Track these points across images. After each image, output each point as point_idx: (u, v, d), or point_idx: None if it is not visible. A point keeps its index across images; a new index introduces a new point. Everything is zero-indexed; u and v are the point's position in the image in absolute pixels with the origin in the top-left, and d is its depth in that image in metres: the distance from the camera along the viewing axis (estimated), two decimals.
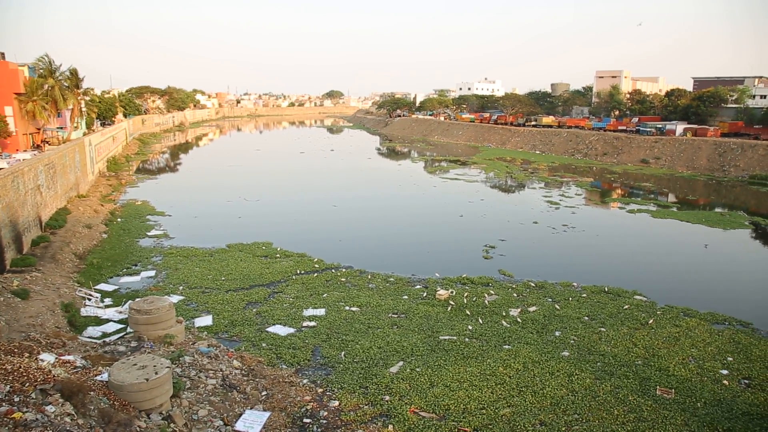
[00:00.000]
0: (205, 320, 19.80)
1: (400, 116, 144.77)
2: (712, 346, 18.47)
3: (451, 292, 23.04)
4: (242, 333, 18.90)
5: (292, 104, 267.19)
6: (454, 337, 18.64)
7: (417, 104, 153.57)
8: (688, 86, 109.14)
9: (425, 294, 23.25)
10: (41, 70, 44.20)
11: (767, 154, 60.48)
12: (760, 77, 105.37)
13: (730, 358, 17.54)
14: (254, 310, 21.14)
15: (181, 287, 23.38)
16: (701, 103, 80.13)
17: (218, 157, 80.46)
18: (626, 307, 21.98)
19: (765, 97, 79.00)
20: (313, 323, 19.86)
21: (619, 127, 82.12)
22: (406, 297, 22.91)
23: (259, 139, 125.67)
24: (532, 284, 24.70)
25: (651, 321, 20.49)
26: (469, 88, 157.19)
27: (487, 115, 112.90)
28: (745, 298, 24.61)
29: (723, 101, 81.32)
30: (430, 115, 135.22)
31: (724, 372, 16.64)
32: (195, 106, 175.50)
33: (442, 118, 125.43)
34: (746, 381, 16.19)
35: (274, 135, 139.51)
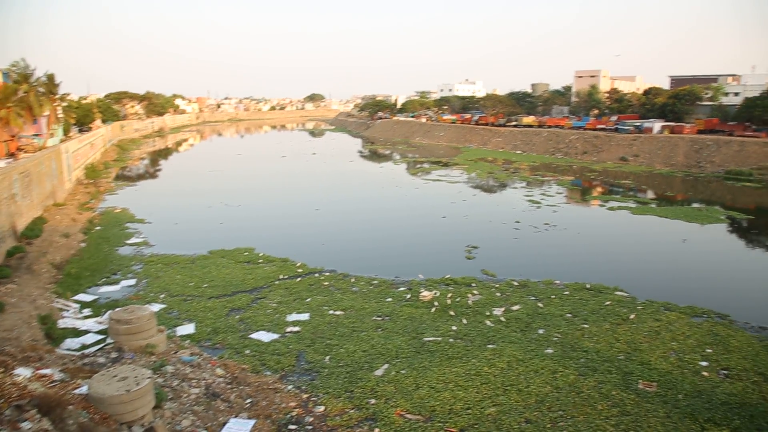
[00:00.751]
0: (188, 328, 19.57)
1: (381, 118, 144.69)
2: (691, 338, 18.77)
3: (435, 293, 23.06)
4: (225, 340, 18.72)
5: (273, 108, 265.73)
6: (439, 338, 18.66)
7: (398, 106, 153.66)
8: (665, 85, 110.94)
9: (409, 296, 23.23)
10: (16, 76, 43.42)
11: (741, 149, 61.65)
12: (733, 75, 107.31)
13: (709, 350, 17.84)
14: (237, 316, 20.95)
15: (162, 295, 23.11)
16: (678, 101, 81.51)
17: (199, 163, 79.71)
18: (608, 303, 22.20)
19: (738, 94, 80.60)
20: (297, 328, 19.75)
21: (599, 126, 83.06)
22: (389, 299, 22.88)
23: (240, 144, 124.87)
24: (515, 283, 24.84)
25: (632, 316, 20.72)
26: (450, 90, 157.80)
27: (468, 115, 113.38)
28: (723, 290, 25.03)
29: (698, 99, 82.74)
30: (411, 116, 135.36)
31: (704, 363, 16.92)
32: (175, 111, 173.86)
33: (423, 120, 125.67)
34: (725, 372, 16.49)
35: (256, 139, 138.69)
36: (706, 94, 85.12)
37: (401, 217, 41.13)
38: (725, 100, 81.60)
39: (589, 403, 14.48)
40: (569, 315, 20.96)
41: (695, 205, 45.85)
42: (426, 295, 22.71)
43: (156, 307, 21.10)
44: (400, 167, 73.46)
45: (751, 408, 14.44)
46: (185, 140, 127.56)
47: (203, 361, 16.27)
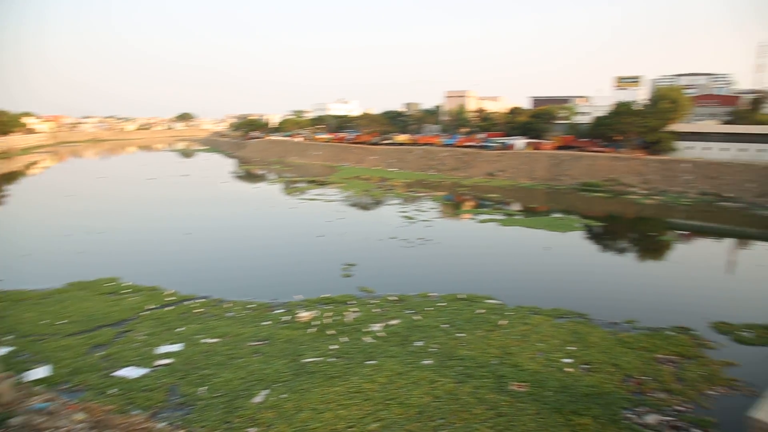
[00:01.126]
0: (41, 372, 17.59)
1: (255, 138, 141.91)
2: (556, 338, 20.19)
3: (314, 314, 22.80)
4: (87, 381, 17.07)
5: (140, 128, 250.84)
6: (319, 359, 18.41)
7: (274, 125, 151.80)
8: (528, 105, 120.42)
9: (287, 318, 22.75)
10: None
11: (593, 163, 68.17)
12: (581, 97, 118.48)
13: (572, 348, 19.33)
14: (100, 353, 19.23)
15: (9, 337, 20.59)
16: (537, 120, 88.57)
17: (54, 187, 72.79)
18: (480, 311, 23.26)
19: (587, 114, 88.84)
20: (168, 360, 18.54)
21: (468, 143, 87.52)
22: (267, 323, 22.24)
23: (102, 166, 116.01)
24: (393, 298, 25.26)
25: (504, 322, 21.86)
26: (325, 109, 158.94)
27: (342, 134, 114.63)
28: (582, 292, 27.21)
29: (555, 118, 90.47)
30: (287, 136, 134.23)
31: (568, 360, 18.28)
32: (24, 130, 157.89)
33: (299, 139, 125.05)
34: (585, 366, 17.93)
35: (120, 161, 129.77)
36: (562, 113, 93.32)
37: (277, 238, 40.40)
38: (578, 119, 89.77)
39: (466, 409, 14.99)
40: (445, 325, 21.66)
41: (556, 215, 49.72)
42: (304, 315, 22.38)
43: (1, 351, 18.78)
44: (276, 187, 72.31)
45: (607, 396, 15.83)
46: (37, 162, 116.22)
47: (60, 407, 14.66)
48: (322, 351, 19.15)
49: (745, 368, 18.13)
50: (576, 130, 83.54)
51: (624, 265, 35.27)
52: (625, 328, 21.75)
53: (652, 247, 39.83)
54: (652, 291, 28.05)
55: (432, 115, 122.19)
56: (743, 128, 68.47)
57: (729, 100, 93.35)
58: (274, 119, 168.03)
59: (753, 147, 64.30)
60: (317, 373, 17.26)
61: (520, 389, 16.12)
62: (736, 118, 76.80)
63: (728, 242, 42.19)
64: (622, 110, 73.56)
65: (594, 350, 19.10)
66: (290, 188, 69.27)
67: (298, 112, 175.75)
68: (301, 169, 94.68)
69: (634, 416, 14.89)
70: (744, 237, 43.18)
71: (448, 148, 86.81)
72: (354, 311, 23.25)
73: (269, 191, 68.36)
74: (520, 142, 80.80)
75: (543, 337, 20.29)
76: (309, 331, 21.26)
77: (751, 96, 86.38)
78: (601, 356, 18.62)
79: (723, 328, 21.84)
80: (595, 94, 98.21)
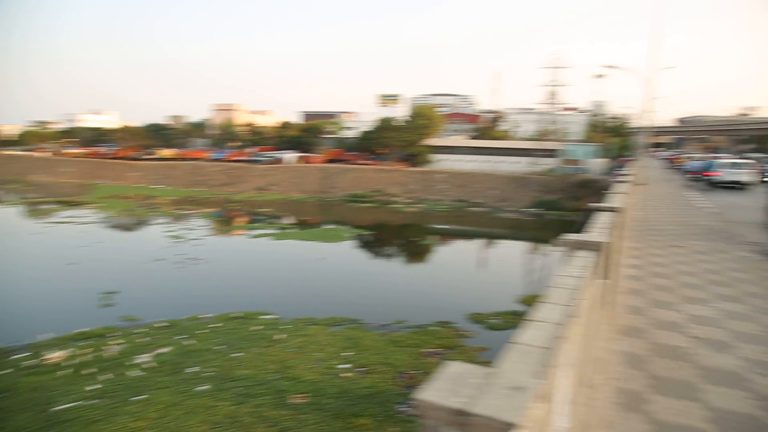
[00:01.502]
0: None
1: None
2: (333, 346, 20.67)
3: (67, 353, 19.88)
4: None
5: None
6: (75, 404, 16.03)
7: (11, 137, 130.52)
8: (300, 119, 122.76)
9: (32, 362, 19.41)
10: None
11: (360, 175, 72.26)
12: (348, 112, 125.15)
13: (348, 353, 19.95)
14: None
15: None
16: (308, 134, 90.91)
17: None
18: (257, 327, 22.76)
19: (354, 129, 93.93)
20: None
21: (238, 158, 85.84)
22: (5, 371, 18.70)
23: None
24: (162, 324, 23.30)
25: (281, 336, 21.69)
26: (76, 121, 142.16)
27: (98, 149, 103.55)
28: (355, 299, 28.45)
29: (324, 132, 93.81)
30: (28, 150, 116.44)
31: (345, 366, 18.80)
32: None
33: (45, 154, 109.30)
34: (362, 369, 18.66)
35: None
36: (330, 128, 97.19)
37: (16, 269, 34.40)
38: (346, 134, 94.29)
39: (248, 430, 14.45)
40: (220, 347, 20.68)
41: (328, 226, 51.36)
42: (54, 356, 19.34)
43: None
44: (15, 210, 62.07)
45: (383, 394, 16.68)
46: None
47: None
48: (80, 394, 16.70)
49: (494, 350, 20.74)
50: (344, 144, 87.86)
51: (392, 270, 37.94)
52: (395, 329, 23.24)
53: (415, 251, 43.59)
54: (418, 291, 30.59)
55: (199, 128, 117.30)
56: (485, 143, 79.83)
57: (473, 118, 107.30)
58: (9, 131, 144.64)
59: (493, 159, 75.13)
60: (73, 420, 14.99)
61: (301, 401, 16.09)
62: (479, 134, 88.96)
63: (478, 242, 48.28)
64: (385, 126, 79.67)
65: (368, 353, 20.01)
66: (34, 211, 60.04)
67: (42, 123, 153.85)
68: (48, 188, 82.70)
69: (408, 409, 15.92)
70: (490, 237, 49.88)
71: (218, 163, 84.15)
72: (117, 344, 20.84)
73: (6, 216, 58.27)
74: (290, 156, 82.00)
75: (320, 347, 20.61)
76: (61, 373, 18.43)
77: (490, 115, 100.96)
78: (375, 358, 19.57)
79: (477, 318, 24.70)
80: (361, 110, 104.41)
